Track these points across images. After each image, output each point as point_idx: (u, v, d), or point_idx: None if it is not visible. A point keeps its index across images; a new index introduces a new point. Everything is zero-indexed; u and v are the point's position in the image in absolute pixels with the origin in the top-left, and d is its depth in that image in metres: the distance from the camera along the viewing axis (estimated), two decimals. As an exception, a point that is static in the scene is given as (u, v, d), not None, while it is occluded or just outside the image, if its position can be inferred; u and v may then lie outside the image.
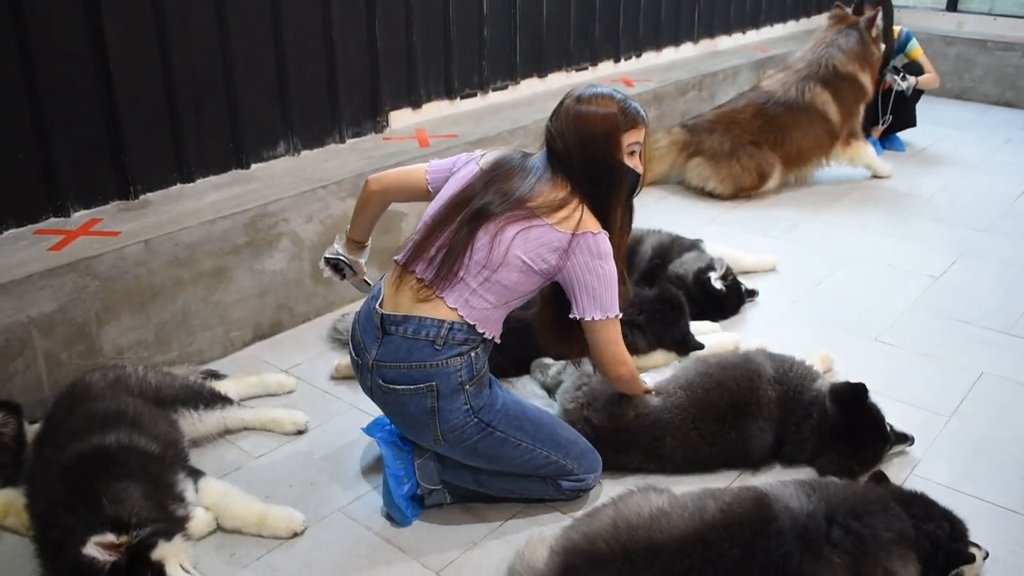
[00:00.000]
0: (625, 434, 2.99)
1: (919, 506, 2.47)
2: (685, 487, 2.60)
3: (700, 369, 3.11)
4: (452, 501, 2.89)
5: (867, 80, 5.90)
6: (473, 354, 2.67)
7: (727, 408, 3.00)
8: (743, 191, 5.72)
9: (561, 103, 2.78)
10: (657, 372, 3.22)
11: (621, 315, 2.75)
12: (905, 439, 3.10)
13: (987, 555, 2.56)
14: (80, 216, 3.66)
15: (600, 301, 2.70)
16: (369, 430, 2.91)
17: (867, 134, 6.56)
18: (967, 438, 3.25)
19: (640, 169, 2.80)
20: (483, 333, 2.68)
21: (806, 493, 2.38)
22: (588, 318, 2.71)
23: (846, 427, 2.99)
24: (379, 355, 2.69)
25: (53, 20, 3.44)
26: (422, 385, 2.63)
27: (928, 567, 2.36)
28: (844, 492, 2.43)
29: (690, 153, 5.80)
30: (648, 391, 3.04)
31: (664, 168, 5.85)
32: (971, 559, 2.41)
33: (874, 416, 3.03)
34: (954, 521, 2.47)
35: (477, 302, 2.65)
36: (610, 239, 2.72)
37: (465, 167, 2.86)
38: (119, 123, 3.70)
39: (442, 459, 2.84)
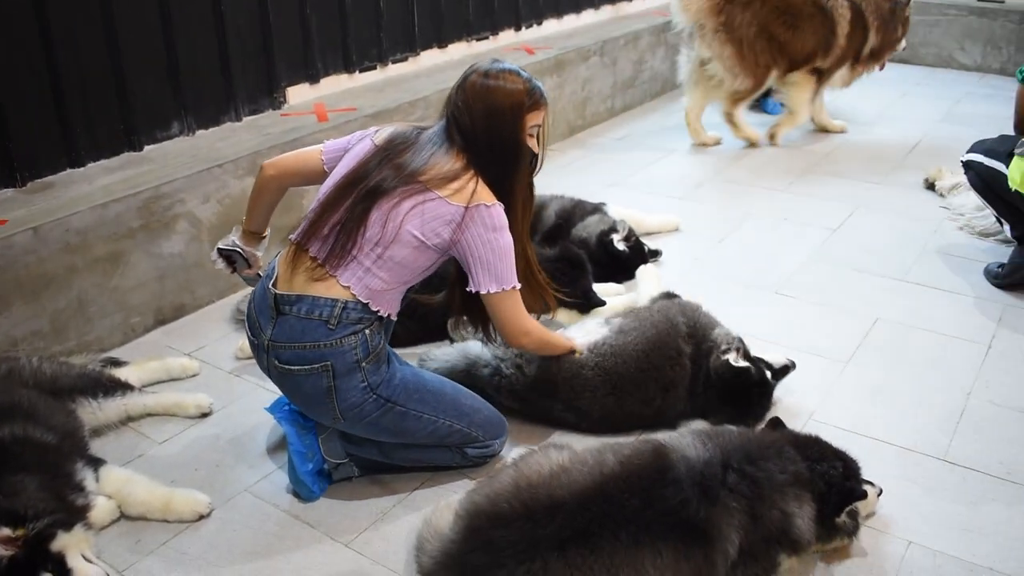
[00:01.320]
0: (549, 383, 3.05)
1: (813, 448, 2.55)
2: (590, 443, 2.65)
3: (627, 345, 3.10)
4: (360, 474, 2.89)
5: (874, 39, 5.91)
6: (368, 331, 2.64)
7: (656, 390, 3.05)
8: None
9: (466, 76, 2.73)
10: (585, 331, 3.23)
11: (519, 286, 2.73)
12: (786, 370, 3.19)
13: (880, 492, 2.66)
14: (-36, 206, 3.54)
15: (496, 273, 2.67)
16: (271, 409, 2.89)
17: (763, 97, 6.68)
18: (863, 382, 3.36)
19: (538, 150, 2.80)
20: (377, 311, 2.65)
21: (702, 441, 2.43)
22: (485, 291, 2.68)
23: (733, 395, 3.08)
24: (274, 335, 2.66)
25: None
26: (316, 365, 2.61)
27: (823, 505, 2.43)
28: (739, 439, 2.49)
29: (720, 23, 5.65)
30: (573, 350, 3.05)
31: (689, 14, 5.68)
32: (863, 495, 2.49)
33: (759, 381, 3.10)
34: (847, 460, 2.55)
35: (371, 281, 2.63)
36: (510, 217, 2.70)
37: (359, 144, 2.83)
38: (1, 108, 3.57)
39: (346, 434, 2.83)
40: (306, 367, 2.63)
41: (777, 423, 2.70)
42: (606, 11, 7.27)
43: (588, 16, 7.08)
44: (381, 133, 2.82)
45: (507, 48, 6.13)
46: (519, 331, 2.80)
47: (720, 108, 6.03)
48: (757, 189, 5.30)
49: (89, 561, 2.42)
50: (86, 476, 2.70)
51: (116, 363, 3.45)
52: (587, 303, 3.64)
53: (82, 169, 3.90)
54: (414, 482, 2.87)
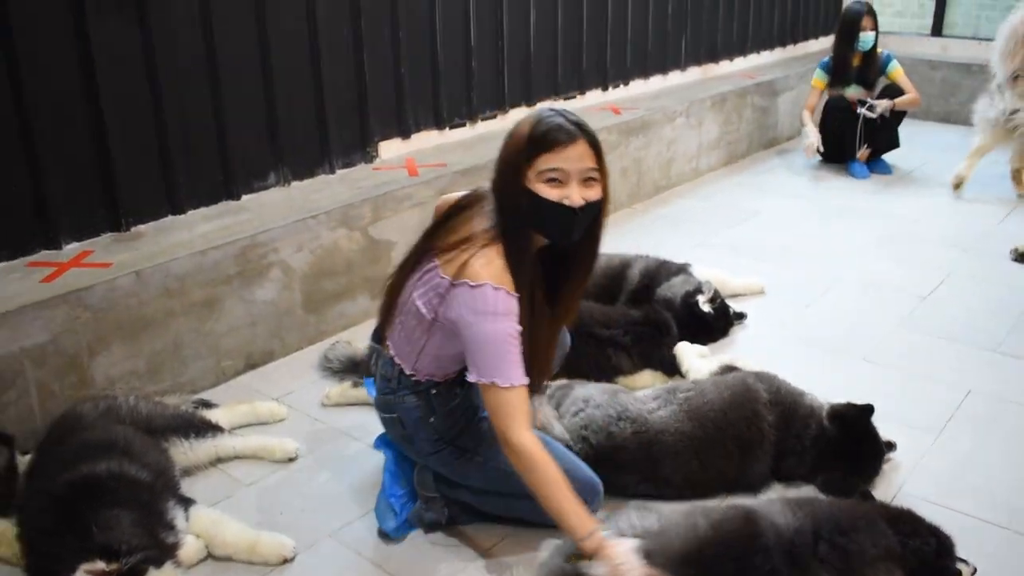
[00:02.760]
0: (623, 452, 2.95)
1: (905, 522, 2.49)
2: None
3: (705, 404, 3.05)
4: (449, 519, 2.87)
5: None
6: (434, 391, 2.62)
7: (733, 448, 3.00)
8: None
9: None
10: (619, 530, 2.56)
11: (506, 385, 2.35)
12: (891, 447, 3.16)
13: (975, 571, 2.57)
14: (72, 248, 3.69)
15: (477, 363, 2.38)
16: (379, 440, 2.95)
17: (852, 159, 6.66)
18: (954, 455, 3.27)
19: (575, 199, 2.36)
20: (429, 380, 2.60)
21: (792, 510, 2.39)
22: (470, 378, 2.43)
23: (847, 446, 3.02)
24: (376, 377, 2.76)
25: (44, 58, 3.49)
26: (389, 415, 2.67)
27: None
28: (830, 508, 2.45)
29: None
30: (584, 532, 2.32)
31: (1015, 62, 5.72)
32: (957, 574, 2.43)
33: (874, 433, 3.07)
34: (941, 536, 2.49)
35: (409, 351, 2.59)
36: (523, 288, 2.39)
37: None
38: (110, 157, 3.74)
39: (440, 475, 2.83)
40: (385, 415, 2.72)
41: (867, 495, 2.65)
42: (693, 72, 7.32)
43: (675, 77, 7.13)
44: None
45: (594, 107, 6.21)
46: (503, 434, 2.39)
47: (1010, 162, 6.20)
48: (845, 254, 5.23)
49: (177, 598, 2.49)
50: (177, 515, 2.76)
51: (207, 405, 3.54)
52: (672, 367, 3.63)
53: (183, 216, 4.05)
54: (498, 534, 2.86)
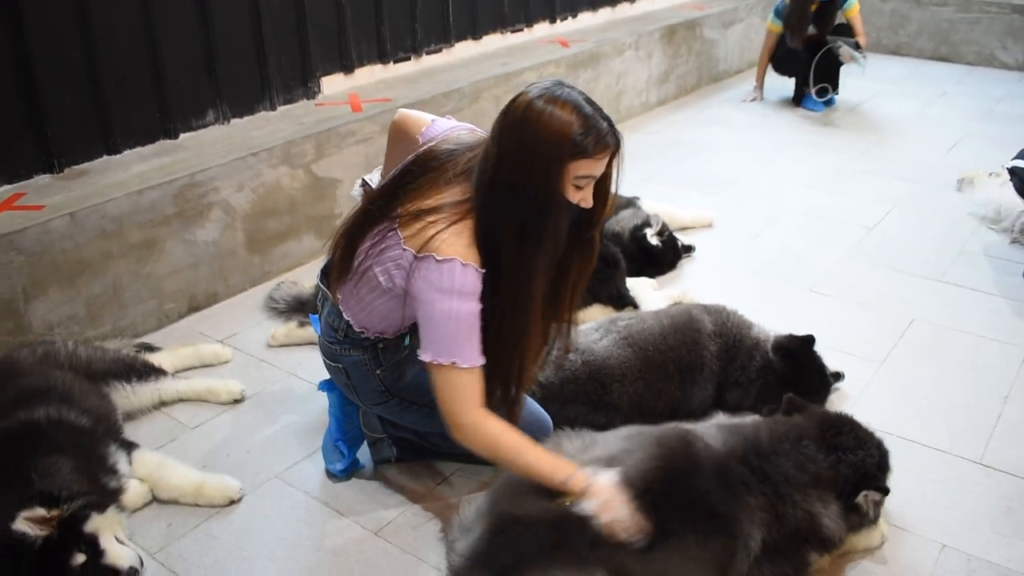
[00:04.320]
0: (571, 384, 2.95)
1: (846, 434, 2.43)
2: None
3: (644, 329, 3.07)
4: (398, 456, 2.86)
5: None
6: (379, 347, 2.54)
7: (674, 370, 3.01)
8: None
9: (517, 95, 2.24)
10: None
11: (467, 366, 2.24)
12: (838, 377, 3.21)
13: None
14: (2, 191, 3.57)
15: (431, 341, 2.25)
16: (322, 386, 2.89)
17: (803, 95, 6.65)
18: (898, 383, 3.32)
19: (585, 201, 2.26)
20: (378, 337, 2.52)
21: (723, 433, 2.40)
22: (424, 357, 2.28)
23: (792, 377, 3.03)
24: (321, 319, 2.69)
25: (-36, -12, 3.34)
26: (334, 364, 2.63)
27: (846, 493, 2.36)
28: (756, 431, 2.42)
29: None
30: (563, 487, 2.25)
31: None
32: (887, 492, 2.43)
33: (819, 365, 3.10)
34: (883, 450, 2.46)
35: (358, 310, 2.48)
36: (511, 284, 2.24)
37: (428, 138, 2.52)
38: (39, 96, 3.60)
39: None
40: (329, 362, 2.66)
41: (797, 404, 2.56)
42: (642, 5, 7.23)
43: (624, 10, 7.05)
44: (440, 135, 2.50)
45: (541, 40, 6.10)
46: (451, 422, 2.29)
47: None
48: (793, 186, 5.24)
49: (121, 543, 2.44)
50: (119, 459, 2.72)
51: (150, 349, 3.48)
52: (621, 301, 3.62)
53: (118, 156, 3.93)
54: (446, 470, 2.86)
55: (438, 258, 2.20)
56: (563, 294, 2.42)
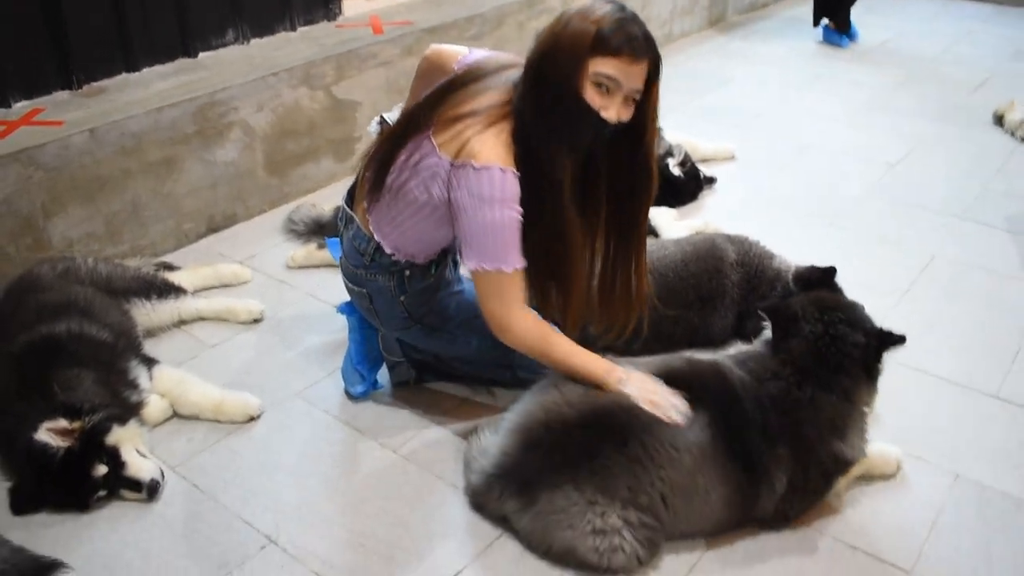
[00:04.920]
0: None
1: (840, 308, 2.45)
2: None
3: (666, 256, 3.07)
4: (416, 378, 2.88)
5: None
6: (407, 272, 2.52)
7: (694, 297, 3.00)
8: None
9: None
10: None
11: (511, 270, 2.27)
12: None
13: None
14: (22, 106, 3.55)
15: (475, 250, 2.26)
16: (342, 309, 2.88)
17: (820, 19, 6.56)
18: (916, 318, 3.31)
19: (611, 114, 2.20)
20: (409, 261, 2.50)
21: (737, 365, 2.40)
22: (468, 265, 2.31)
23: None
24: (343, 242, 2.66)
25: None
26: (358, 289, 2.62)
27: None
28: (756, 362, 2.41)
29: None
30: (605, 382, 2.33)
31: None
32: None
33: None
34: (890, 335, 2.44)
35: (390, 231, 2.45)
36: (541, 185, 2.23)
37: (467, 64, 2.47)
38: (60, 10, 3.56)
39: None
40: (352, 286, 2.65)
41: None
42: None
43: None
44: (482, 59, 2.45)
45: (566, -33, 5.99)
46: (498, 325, 2.35)
47: None
48: (816, 121, 5.17)
49: (142, 455, 2.49)
50: (140, 374, 2.75)
51: (169, 267, 3.49)
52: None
53: (137, 73, 3.89)
54: (460, 398, 2.87)
55: (476, 165, 2.18)
56: (624, 221, 2.40)
